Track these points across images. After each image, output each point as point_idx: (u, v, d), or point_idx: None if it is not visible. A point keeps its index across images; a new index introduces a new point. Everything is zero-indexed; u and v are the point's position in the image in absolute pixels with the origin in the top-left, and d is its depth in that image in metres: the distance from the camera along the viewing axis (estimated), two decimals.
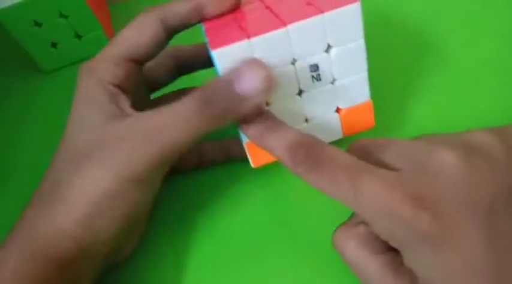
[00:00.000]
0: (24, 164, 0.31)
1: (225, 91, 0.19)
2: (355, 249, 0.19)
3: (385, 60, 0.32)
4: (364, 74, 0.23)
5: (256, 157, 0.24)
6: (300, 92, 0.22)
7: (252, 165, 0.25)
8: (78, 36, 0.35)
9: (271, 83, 0.19)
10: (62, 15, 0.33)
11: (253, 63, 0.19)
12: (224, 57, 0.20)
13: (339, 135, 0.24)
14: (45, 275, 0.19)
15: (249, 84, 0.19)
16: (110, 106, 0.21)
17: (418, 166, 0.18)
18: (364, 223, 0.19)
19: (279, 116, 0.21)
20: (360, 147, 0.21)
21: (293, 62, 0.21)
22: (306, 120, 0.23)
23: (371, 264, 0.19)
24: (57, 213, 0.20)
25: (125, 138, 0.20)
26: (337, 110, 0.23)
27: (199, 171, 0.28)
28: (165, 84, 0.27)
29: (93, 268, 0.21)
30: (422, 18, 0.35)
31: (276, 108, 0.22)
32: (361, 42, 0.22)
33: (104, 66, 0.22)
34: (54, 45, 0.34)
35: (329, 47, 0.21)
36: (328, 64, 0.22)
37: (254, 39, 0.20)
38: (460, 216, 0.17)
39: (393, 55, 0.32)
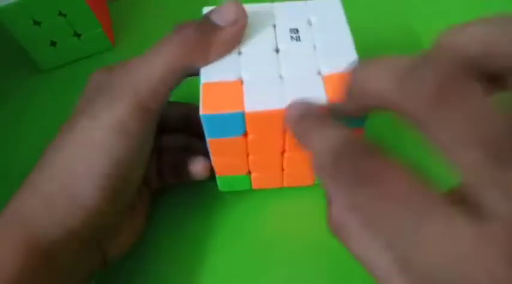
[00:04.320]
0: (23, 163, 0.31)
1: (200, 19, 0.22)
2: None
3: None
4: (348, 41, 0.22)
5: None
6: (277, 50, 0.22)
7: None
8: (77, 35, 0.35)
9: (242, 15, 0.22)
10: (60, 14, 0.32)
11: (229, 2, 0.22)
12: None
13: (322, 99, 0.20)
14: (29, 266, 0.18)
15: (224, 14, 0.21)
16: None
17: None
18: None
19: (251, 68, 0.21)
20: None
21: (273, 25, 0.23)
22: (281, 77, 0.21)
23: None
24: (38, 179, 0.20)
25: (108, 88, 0.21)
26: (319, 73, 0.21)
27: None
28: None
29: (82, 257, 0.21)
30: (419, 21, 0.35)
31: (250, 58, 0.22)
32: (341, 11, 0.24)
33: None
34: (53, 43, 0.34)
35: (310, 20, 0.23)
36: (309, 31, 0.23)
37: None
38: None
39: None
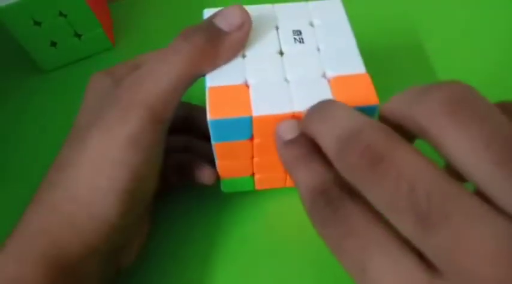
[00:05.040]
0: (23, 164, 0.31)
1: (205, 25, 0.21)
2: None
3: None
4: (351, 43, 0.22)
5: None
6: (281, 53, 0.22)
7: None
8: (78, 35, 0.35)
9: (247, 19, 0.21)
10: (61, 14, 0.32)
11: (233, 5, 0.21)
12: None
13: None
14: (49, 283, 0.18)
15: (228, 18, 0.21)
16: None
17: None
18: None
19: (257, 71, 0.21)
20: None
21: (276, 27, 0.23)
22: (286, 80, 0.21)
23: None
24: (57, 195, 0.20)
25: (117, 99, 0.21)
26: (324, 76, 0.21)
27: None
28: None
29: (98, 269, 0.21)
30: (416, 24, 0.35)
31: (255, 62, 0.22)
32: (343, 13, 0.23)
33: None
34: (53, 44, 0.34)
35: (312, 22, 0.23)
36: (312, 33, 0.23)
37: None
38: None
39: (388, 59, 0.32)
